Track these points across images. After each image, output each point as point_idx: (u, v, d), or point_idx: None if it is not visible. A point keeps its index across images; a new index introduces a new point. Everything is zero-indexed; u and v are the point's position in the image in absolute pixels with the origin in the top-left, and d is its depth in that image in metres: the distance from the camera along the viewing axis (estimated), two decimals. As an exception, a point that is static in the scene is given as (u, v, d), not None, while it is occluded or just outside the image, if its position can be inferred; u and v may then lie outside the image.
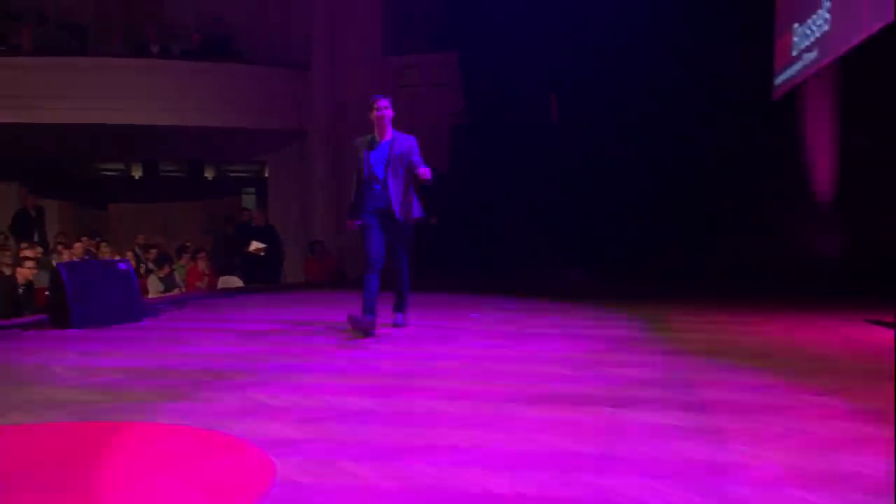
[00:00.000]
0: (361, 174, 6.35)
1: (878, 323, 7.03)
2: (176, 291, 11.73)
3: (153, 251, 12.80)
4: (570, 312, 8.38)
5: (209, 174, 17.70)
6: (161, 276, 11.97)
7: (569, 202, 12.95)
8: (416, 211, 6.44)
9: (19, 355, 5.79)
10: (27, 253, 10.29)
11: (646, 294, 10.02)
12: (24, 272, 9.61)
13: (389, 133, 6.32)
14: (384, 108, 6.26)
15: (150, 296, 11.14)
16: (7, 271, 9.50)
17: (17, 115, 14.11)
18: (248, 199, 17.94)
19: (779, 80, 10.17)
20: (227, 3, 15.42)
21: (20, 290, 9.41)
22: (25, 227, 15.62)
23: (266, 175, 17.40)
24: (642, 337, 6.60)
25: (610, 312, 8.27)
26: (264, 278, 12.95)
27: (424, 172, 6.12)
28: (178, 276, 12.33)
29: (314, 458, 3.12)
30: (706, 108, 11.55)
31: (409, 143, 6.32)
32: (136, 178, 17.70)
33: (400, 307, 6.76)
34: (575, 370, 5.00)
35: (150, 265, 12.46)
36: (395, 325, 6.67)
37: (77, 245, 12.36)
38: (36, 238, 15.21)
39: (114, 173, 17.92)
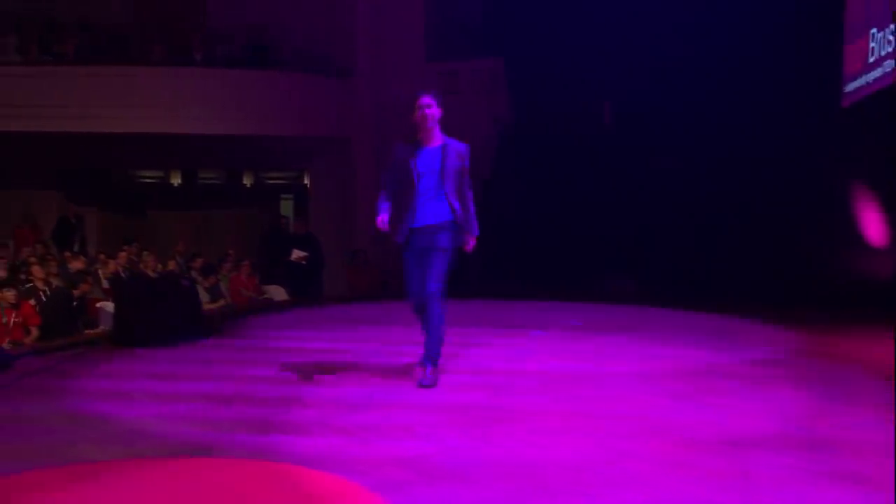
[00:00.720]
0: (405, 186, 5.24)
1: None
2: (222, 302, 11.65)
3: (199, 260, 12.73)
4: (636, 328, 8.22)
5: (248, 181, 17.66)
6: (207, 286, 11.90)
7: (617, 210, 12.80)
8: (460, 239, 5.35)
9: (90, 379, 5.76)
10: (77, 265, 10.25)
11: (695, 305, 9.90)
12: (84, 287, 9.62)
13: (438, 137, 5.27)
14: (427, 107, 5.16)
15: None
16: (55, 282, 9.44)
17: (60, 125, 14.11)
18: (287, 206, 17.89)
19: (850, 87, 9.89)
20: (270, 11, 15.36)
21: (75, 303, 9.40)
22: (66, 235, 15.66)
23: (305, 182, 17.36)
24: (723, 360, 6.40)
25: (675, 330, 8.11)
26: (306, 288, 12.84)
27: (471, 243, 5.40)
28: (223, 286, 12.27)
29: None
30: (762, 117, 11.38)
31: (463, 153, 5.33)
32: (175, 185, 17.68)
33: (426, 360, 5.21)
34: (675, 399, 4.79)
35: (196, 275, 12.39)
36: (421, 384, 5.12)
37: (121, 255, 12.30)
38: (76, 247, 15.30)
39: (152, 181, 17.90)
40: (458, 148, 5.30)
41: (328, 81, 15.11)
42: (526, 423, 4.21)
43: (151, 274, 11.17)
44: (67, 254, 12.84)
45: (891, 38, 8.44)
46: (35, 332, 8.31)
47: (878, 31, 8.86)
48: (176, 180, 17.65)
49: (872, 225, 10.86)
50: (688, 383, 5.36)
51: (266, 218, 17.57)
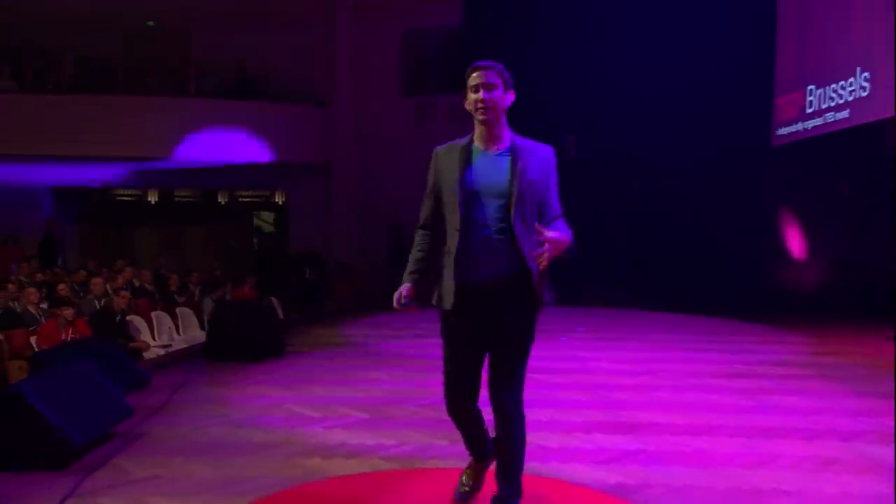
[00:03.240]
0: (451, 213, 3.07)
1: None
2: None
3: (195, 275, 12.77)
4: (639, 331, 8.97)
5: (222, 199, 17.52)
6: (215, 298, 11.99)
7: (583, 228, 13.28)
8: (547, 296, 3.13)
9: (233, 393, 5.89)
10: (96, 281, 10.24)
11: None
12: (120, 301, 9.61)
13: (506, 136, 3.11)
14: (486, 87, 3.00)
15: (206, 316, 11.23)
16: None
17: (59, 149, 13.83)
18: (265, 224, 17.94)
19: (783, 131, 11.03)
20: (251, 44, 15.36)
21: (118, 318, 9.42)
22: (50, 253, 15.26)
23: (277, 200, 17.43)
24: (744, 361, 7.14)
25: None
26: (313, 303, 13.05)
27: (560, 235, 2.86)
28: (229, 298, 12.36)
29: None
30: (709, 152, 11.97)
31: (547, 162, 3.12)
32: (153, 202, 17.40)
33: (507, 477, 3.10)
34: (739, 397, 5.57)
35: (204, 288, 12.43)
36: None
37: (127, 272, 12.24)
38: (60, 263, 14.95)
39: (130, 198, 17.54)
40: (543, 153, 3.11)
41: (310, 111, 15.24)
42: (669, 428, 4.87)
43: (149, 287, 11.24)
44: (56, 270, 12.74)
45: (832, 96, 9.58)
46: None
47: (818, 88, 10.01)
48: (153, 198, 17.40)
49: (795, 242, 12.14)
50: (735, 382, 6.08)
51: (239, 233, 17.62)
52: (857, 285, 10.58)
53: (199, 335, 10.49)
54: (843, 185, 11.17)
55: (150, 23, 15.69)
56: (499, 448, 3.11)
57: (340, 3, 15.32)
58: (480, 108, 3.01)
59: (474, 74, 3.04)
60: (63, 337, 8.18)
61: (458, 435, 3.32)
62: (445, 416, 3.18)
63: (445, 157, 3.13)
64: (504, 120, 3.11)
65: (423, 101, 15.42)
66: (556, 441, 4.40)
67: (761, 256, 12.15)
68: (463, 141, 3.13)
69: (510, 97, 3.08)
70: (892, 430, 4.67)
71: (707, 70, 11.61)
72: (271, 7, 15.21)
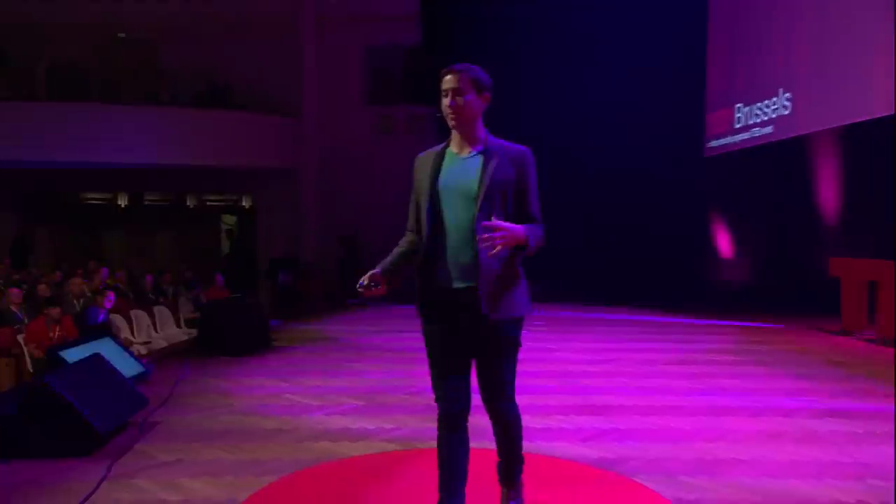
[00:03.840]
0: (423, 217, 2.89)
1: (827, 331, 8.60)
2: (204, 311, 11.75)
3: (168, 275, 12.67)
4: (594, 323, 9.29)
5: (191, 202, 17.35)
6: (191, 297, 11.95)
7: None
8: (522, 305, 2.90)
9: (234, 385, 5.92)
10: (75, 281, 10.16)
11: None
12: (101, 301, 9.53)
13: (482, 139, 2.88)
14: (456, 94, 2.78)
15: (182, 314, 11.21)
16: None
17: (34, 154, 13.56)
18: (228, 226, 17.77)
19: (713, 143, 11.54)
20: (220, 55, 15.23)
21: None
22: (22, 255, 14.94)
23: (243, 203, 17.34)
24: (687, 349, 7.52)
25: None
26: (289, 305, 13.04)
27: (513, 227, 2.66)
28: (202, 297, 12.31)
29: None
30: (648, 162, 12.29)
31: (520, 161, 2.85)
32: (123, 206, 17.11)
33: (509, 479, 3.08)
34: (691, 381, 5.92)
35: (179, 288, 12.34)
36: None
37: (102, 272, 12.09)
38: (30, 265, 14.63)
39: (100, 202, 17.21)
40: (515, 154, 2.86)
41: (277, 119, 15.25)
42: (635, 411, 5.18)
43: (123, 287, 11.15)
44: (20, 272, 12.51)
45: (758, 113, 10.09)
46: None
47: (745, 106, 10.53)
48: (123, 202, 17.10)
49: (723, 242, 12.68)
50: (684, 368, 6.43)
51: (207, 236, 17.44)
52: (778, 281, 11.03)
53: (175, 332, 10.46)
54: (763, 194, 11.58)
55: (121, 34, 15.45)
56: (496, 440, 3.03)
57: (306, 19, 15.40)
58: (448, 114, 2.82)
59: (445, 78, 2.81)
60: (50, 335, 8.12)
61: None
62: (434, 403, 2.91)
63: (423, 162, 2.94)
64: (479, 123, 2.87)
65: (384, 112, 15.59)
66: (538, 423, 4.63)
67: (695, 256, 12.61)
68: (440, 146, 2.94)
69: (484, 101, 2.84)
70: (826, 407, 5.09)
71: (646, 90, 12.03)
72: (239, 21, 15.15)
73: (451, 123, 2.84)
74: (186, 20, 15.09)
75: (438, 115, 2.91)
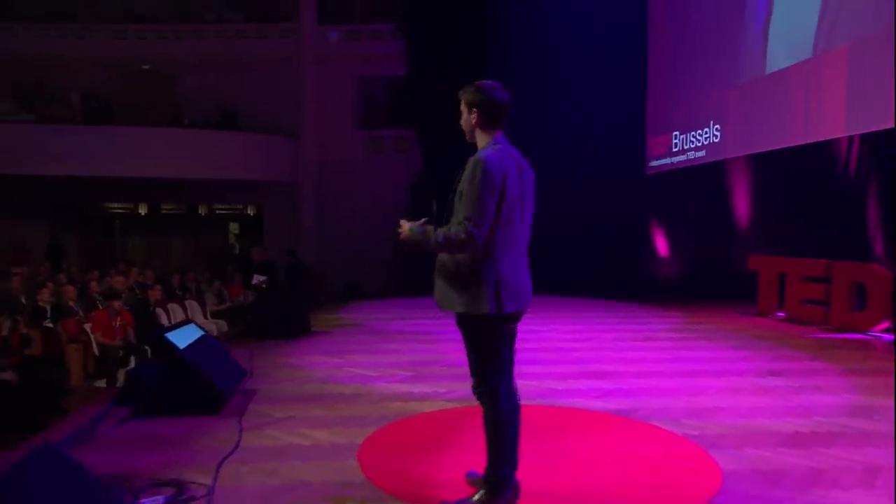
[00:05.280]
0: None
1: (747, 314, 9.25)
2: (227, 303, 11.94)
3: (191, 274, 12.81)
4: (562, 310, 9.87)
5: (202, 211, 17.42)
6: (215, 291, 12.15)
7: None
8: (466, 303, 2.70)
9: (291, 359, 6.19)
10: (118, 280, 10.28)
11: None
12: (154, 294, 9.73)
13: (478, 148, 2.80)
14: (460, 114, 2.85)
15: (208, 308, 11.41)
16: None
17: (70, 169, 13.57)
18: (232, 234, 17.87)
19: (654, 163, 12.26)
20: (230, 85, 15.44)
21: (151, 309, 9.54)
22: (57, 255, 14.83)
23: (248, 212, 17.49)
24: (647, 328, 8.13)
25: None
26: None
27: (408, 226, 2.78)
28: (224, 292, 12.50)
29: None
30: (597, 178, 12.83)
31: (469, 167, 2.66)
32: (143, 214, 17.08)
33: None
34: (661, 353, 6.56)
35: (202, 286, 12.51)
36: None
37: (133, 273, 12.20)
38: (63, 265, 14.56)
39: (122, 211, 17.15)
40: (470, 161, 2.68)
41: (281, 140, 15.51)
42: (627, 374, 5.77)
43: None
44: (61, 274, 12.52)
45: (693, 140, 10.82)
46: (131, 332, 8.58)
47: (681, 134, 11.26)
48: (143, 210, 17.07)
49: (661, 243, 13.38)
50: (649, 343, 7.04)
51: (216, 241, 17.52)
52: (705, 275, 11.49)
53: (204, 323, 10.64)
54: (692, 204, 12.32)
55: (145, 67, 15.49)
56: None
57: (306, 54, 15.68)
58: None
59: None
60: (113, 324, 8.34)
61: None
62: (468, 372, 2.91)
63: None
64: (480, 135, 2.79)
65: (373, 135, 15.96)
66: (557, 385, 5.19)
67: (639, 255, 13.21)
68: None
69: (476, 115, 2.76)
70: (767, 368, 5.78)
71: (598, 119, 12.59)
72: (247, 57, 15.37)
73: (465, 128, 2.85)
74: (201, 55, 15.24)
75: None
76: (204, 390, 4.46)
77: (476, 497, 2.85)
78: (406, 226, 2.72)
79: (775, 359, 6.28)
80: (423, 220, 2.75)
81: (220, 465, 3.49)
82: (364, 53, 15.43)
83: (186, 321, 6.94)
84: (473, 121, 2.79)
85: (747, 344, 7.09)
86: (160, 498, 2.98)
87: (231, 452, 3.69)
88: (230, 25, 15.39)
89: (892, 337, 7.36)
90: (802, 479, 3.27)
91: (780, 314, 9.00)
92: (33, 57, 14.46)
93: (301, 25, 15.46)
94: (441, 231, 2.63)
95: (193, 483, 3.23)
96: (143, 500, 2.94)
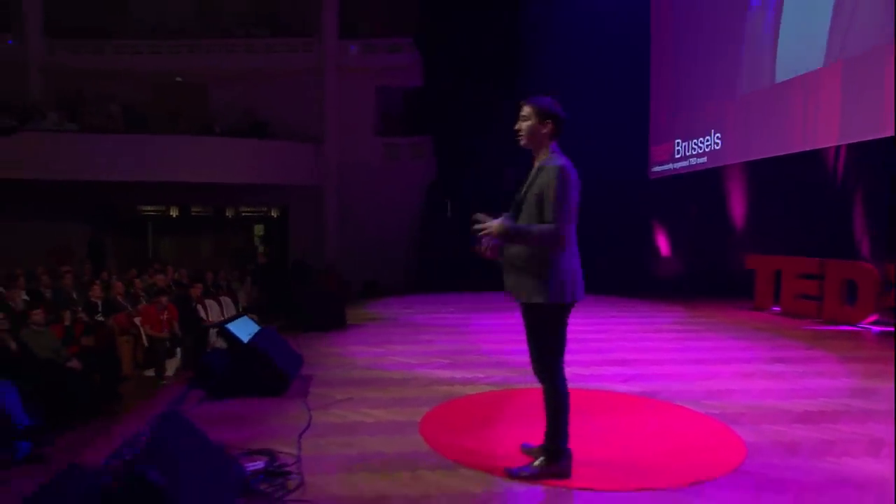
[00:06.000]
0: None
1: (745, 308, 9.47)
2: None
3: (223, 272, 13.06)
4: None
5: (229, 213, 17.68)
6: (246, 289, 12.41)
7: None
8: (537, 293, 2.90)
9: (333, 349, 6.38)
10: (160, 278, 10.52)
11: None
12: (195, 291, 9.98)
13: (545, 157, 2.98)
14: (520, 119, 3.01)
15: (241, 303, 11.65)
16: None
17: (110, 175, 13.82)
18: (256, 236, 18.12)
19: (657, 169, 12.49)
20: (258, 95, 15.71)
21: (193, 304, 9.79)
22: (98, 255, 15.10)
23: (272, 214, 17.73)
24: (654, 322, 8.37)
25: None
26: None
27: (493, 222, 2.86)
28: (254, 290, 12.73)
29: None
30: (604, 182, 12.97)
31: (547, 175, 2.88)
32: (174, 216, 17.33)
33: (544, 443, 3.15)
34: (671, 342, 6.81)
35: (233, 283, 12.76)
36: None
37: (170, 271, 12.45)
38: (104, 264, 14.82)
39: (154, 213, 17.41)
40: (548, 169, 2.87)
41: (305, 147, 15.76)
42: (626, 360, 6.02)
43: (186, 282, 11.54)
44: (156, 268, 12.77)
45: (694, 147, 11.05)
46: (176, 325, 8.83)
47: (683, 141, 11.49)
48: (174, 213, 17.33)
49: (663, 243, 13.62)
50: (658, 334, 7.27)
51: (242, 241, 17.74)
52: (704, 272, 11.72)
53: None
54: (693, 207, 12.62)
55: (178, 79, 15.76)
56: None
57: (328, 66, 15.95)
58: (518, 135, 3.01)
59: (522, 106, 2.98)
60: (160, 317, 8.60)
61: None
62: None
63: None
64: (544, 143, 2.95)
65: (390, 142, 16.21)
66: (583, 371, 5.43)
67: (642, 254, 13.39)
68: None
69: (546, 125, 2.92)
70: (770, 356, 6.02)
71: (602, 127, 12.65)
72: (273, 68, 15.64)
73: (520, 143, 3.01)
74: (231, 68, 15.50)
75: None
76: (272, 374, 4.73)
77: (537, 462, 3.10)
78: (494, 222, 2.84)
79: (776, 348, 6.53)
80: (504, 215, 2.91)
81: (300, 438, 3.75)
82: (381, 65, 15.70)
83: (239, 314, 7.25)
84: (545, 130, 2.96)
85: (748, 335, 7.32)
86: (260, 463, 3.24)
87: (307, 428, 3.94)
88: (258, 40, 15.65)
89: (879, 329, 7.63)
90: (816, 450, 3.54)
91: (775, 308, 9.22)
92: (74, 70, 14.74)
93: (323, 40, 15.74)
94: (535, 227, 2.84)
95: (281, 452, 3.49)
96: (247, 465, 3.20)
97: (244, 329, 5.85)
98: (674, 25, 12.14)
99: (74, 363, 6.74)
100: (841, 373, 5.40)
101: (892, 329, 7.33)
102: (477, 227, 2.86)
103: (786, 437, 3.75)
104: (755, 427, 3.92)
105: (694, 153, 11.12)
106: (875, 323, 7.85)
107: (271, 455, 3.43)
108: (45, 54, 14.95)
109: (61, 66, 14.79)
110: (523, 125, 3.00)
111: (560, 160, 2.91)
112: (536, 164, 2.99)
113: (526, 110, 3.00)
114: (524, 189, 2.97)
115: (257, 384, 4.71)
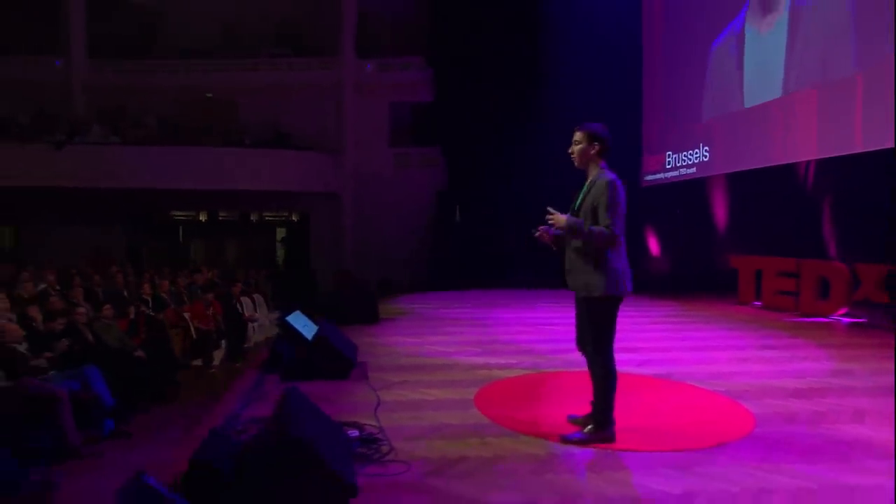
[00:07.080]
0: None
1: (730, 303, 9.84)
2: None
3: (252, 272, 13.34)
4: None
5: (253, 218, 17.95)
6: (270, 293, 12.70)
7: (513, 237, 13.06)
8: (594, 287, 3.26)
9: (375, 339, 6.60)
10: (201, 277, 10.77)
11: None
12: (236, 289, 10.28)
13: (595, 174, 3.32)
14: (573, 143, 3.35)
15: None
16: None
17: (146, 182, 14.10)
18: (280, 233, 18.37)
19: (649, 178, 12.86)
20: (283, 110, 16.02)
21: (233, 301, 10.08)
22: (136, 258, 15.35)
23: (293, 218, 18.02)
24: (653, 314, 8.72)
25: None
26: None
27: (560, 217, 3.24)
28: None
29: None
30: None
31: (599, 188, 3.23)
32: (203, 221, 17.59)
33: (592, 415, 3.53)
34: (673, 333, 7.22)
35: (263, 283, 13.06)
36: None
37: (205, 271, 12.72)
38: (144, 266, 15.06)
39: (185, 218, 17.67)
40: (599, 184, 3.20)
41: (325, 157, 16.07)
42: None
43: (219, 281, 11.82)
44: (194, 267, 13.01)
45: (684, 159, 11.44)
46: (220, 319, 9.14)
47: (674, 153, 11.88)
48: (203, 217, 17.59)
49: (653, 244, 14.01)
50: (657, 325, 7.66)
51: (265, 244, 18.01)
52: (690, 271, 12.02)
53: (269, 313, 11.21)
54: (679, 211, 13.00)
55: (209, 94, 16.05)
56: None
57: (346, 83, 16.28)
58: (571, 156, 3.33)
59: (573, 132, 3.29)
60: (207, 312, 8.92)
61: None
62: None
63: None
64: (594, 161, 3.27)
65: (401, 152, 16.53)
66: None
67: (637, 254, 13.69)
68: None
69: (594, 146, 3.25)
70: (761, 343, 6.43)
71: None
72: (296, 84, 15.96)
73: (575, 163, 3.34)
74: (258, 84, 15.81)
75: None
76: (338, 360, 5.10)
77: (587, 429, 3.48)
78: (560, 215, 3.18)
79: (763, 336, 6.95)
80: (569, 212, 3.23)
81: (376, 412, 4.12)
82: (395, 82, 16.05)
83: (293, 310, 7.59)
84: (594, 150, 3.28)
85: (737, 326, 7.74)
86: (355, 431, 3.62)
87: (378, 405, 4.31)
88: (282, 59, 15.99)
89: (849, 320, 8.09)
90: (812, 419, 3.97)
91: (757, 303, 9.61)
92: (115, 88, 14.99)
93: (342, 59, 16.08)
94: (594, 227, 3.16)
95: (366, 424, 3.86)
96: (348, 431, 3.57)
97: (300, 322, 6.20)
98: (662, 47, 12.52)
99: (140, 353, 7.08)
100: (822, 357, 5.84)
101: (861, 320, 7.80)
102: (547, 217, 3.21)
103: (785, 409, 4.17)
104: (758, 401, 4.34)
105: (684, 164, 11.51)
106: (845, 315, 8.31)
107: (359, 426, 3.80)
108: (88, 73, 15.20)
109: (103, 83, 15.05)
110: (575, 148, 3.30)
111: (609, 175, 3.23)
112: (589, 180, 3.30)
113: (578, 135, 3.31)
114: (578, 201, 3.30)
115: (326, 369, 5.07)
